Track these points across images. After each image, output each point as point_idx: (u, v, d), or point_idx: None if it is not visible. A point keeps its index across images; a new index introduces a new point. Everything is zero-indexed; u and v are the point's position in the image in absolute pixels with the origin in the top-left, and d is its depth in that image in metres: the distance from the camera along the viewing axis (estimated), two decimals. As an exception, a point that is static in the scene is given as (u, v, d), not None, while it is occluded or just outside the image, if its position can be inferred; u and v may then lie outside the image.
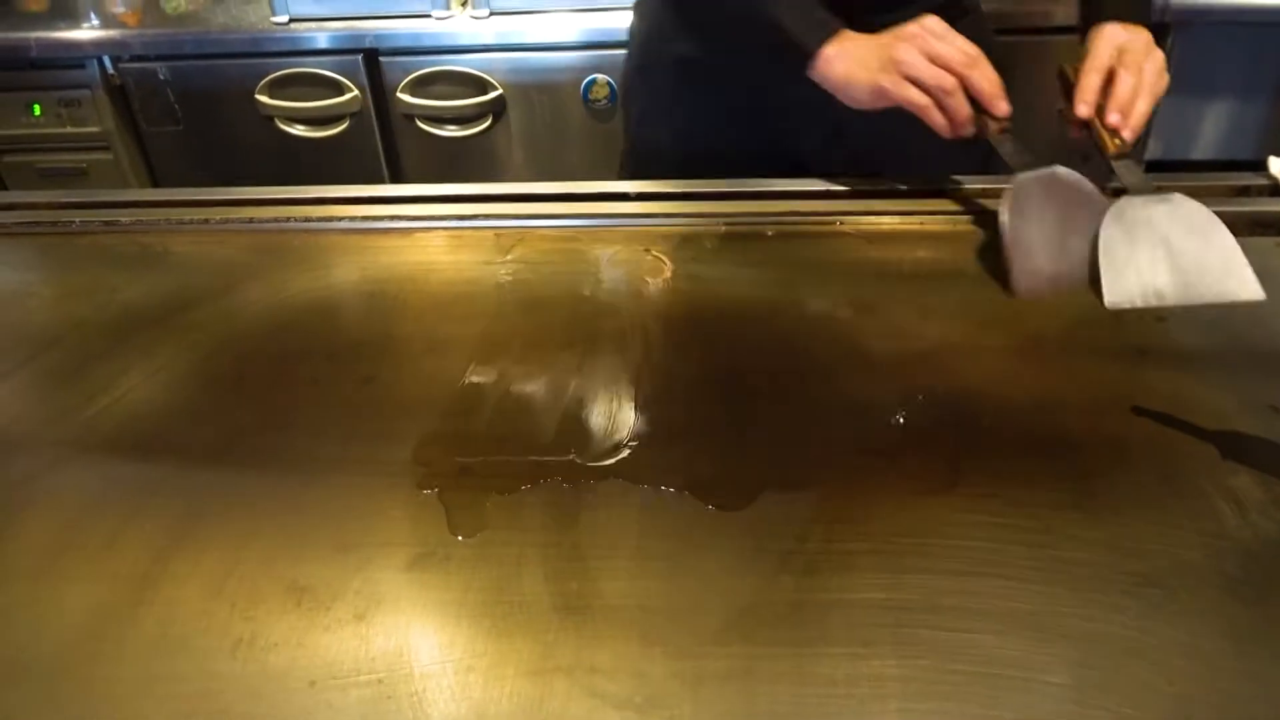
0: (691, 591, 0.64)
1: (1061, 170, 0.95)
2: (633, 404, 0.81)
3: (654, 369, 0.86)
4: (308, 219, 1.17)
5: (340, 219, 1.16)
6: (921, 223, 1.08)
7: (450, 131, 2.21)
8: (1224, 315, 0.89)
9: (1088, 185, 0.95)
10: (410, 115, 2.21)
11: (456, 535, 0.69)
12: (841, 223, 1.08)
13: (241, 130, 2.25)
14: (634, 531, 0.68)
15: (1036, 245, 0.93)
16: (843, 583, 0.64)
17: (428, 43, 2.12)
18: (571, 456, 0.75)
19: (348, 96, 2.18)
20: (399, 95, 2.18)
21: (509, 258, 1.06)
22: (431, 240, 1.11)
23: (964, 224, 1.07)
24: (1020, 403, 0.79)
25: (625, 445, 0.76)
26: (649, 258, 1.04)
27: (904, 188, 1.13)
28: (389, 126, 2.24)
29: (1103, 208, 0.92)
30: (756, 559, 0.66)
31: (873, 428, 0.77)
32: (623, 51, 1.37)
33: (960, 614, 0.61)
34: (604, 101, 2.14)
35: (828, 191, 1.13)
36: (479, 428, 0.80)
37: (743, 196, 1.14)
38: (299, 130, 2.24)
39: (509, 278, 1.02)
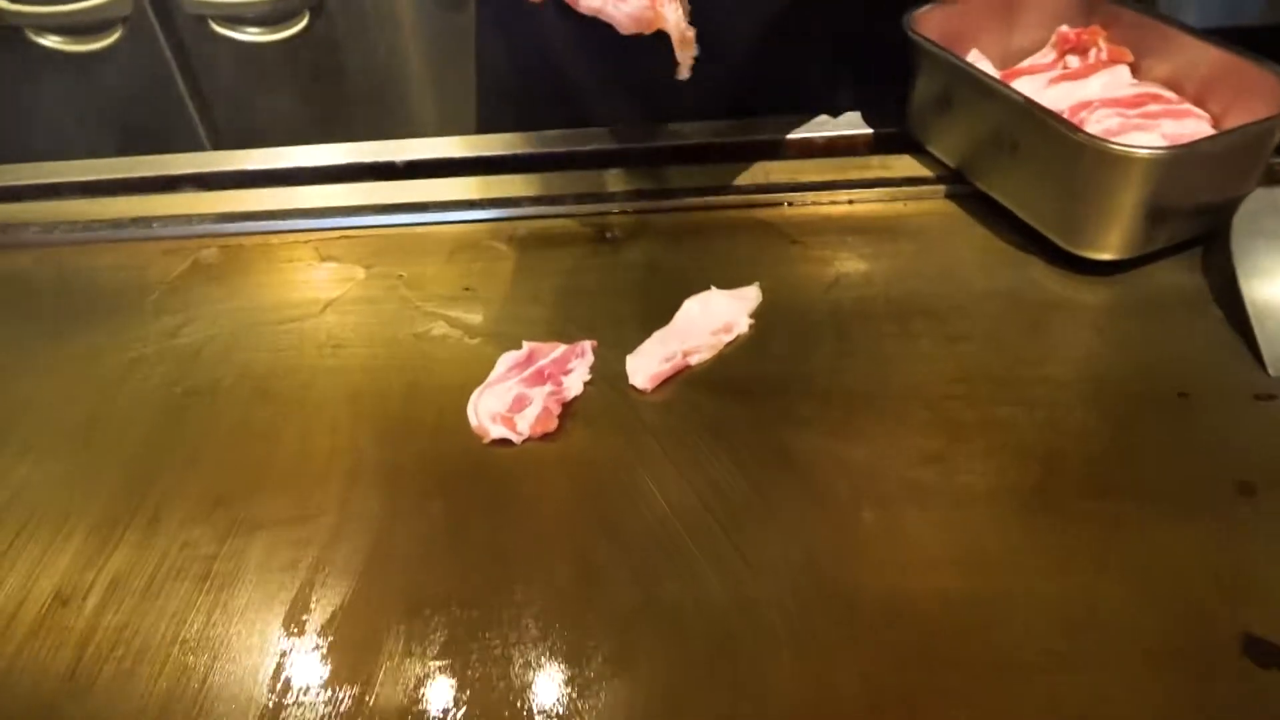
0: None
1: None
2: (316, 620, 0.41)
3: (364, 527, 0.46)
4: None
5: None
6: (850, 201, 0.66)
7: (254, 35, 1.69)
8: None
9: None
10: (201, 15, 1.68)
11: None
12: (723, 205, 0.67)
13: (-16, 46, 1.71)
14: None
15: None
16: None
17: (207, -86, 1.58)
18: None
19: (113, -6, 1.65)
20: (181, -11, 1.65)
21: (152, 298, 0.63)
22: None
23: (915, 201, 0.66)
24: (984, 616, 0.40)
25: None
26: (400, 288, 0.62)
27: (820, 137, 0.71)
28: (175, 33, 1.71)
29: None
30: None
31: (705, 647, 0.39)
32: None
33: None
34: (452, -14, 1.64)
35: (703, 145, 0.71)
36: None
37: (566, 162, 0.71)
38: (54, 42, 1.70)
39: (150, 346, 0.60)
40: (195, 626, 0.44)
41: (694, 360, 0.54)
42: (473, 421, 0.52)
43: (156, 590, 0.45)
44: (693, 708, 0.39)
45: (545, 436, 0.51)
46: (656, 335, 0.56)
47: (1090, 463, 0.47)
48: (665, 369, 0.53)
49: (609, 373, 0.55)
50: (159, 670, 0.42)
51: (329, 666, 0.42)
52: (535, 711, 0.39)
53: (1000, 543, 0.44)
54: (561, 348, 0.56)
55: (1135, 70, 0.65)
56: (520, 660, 0.41)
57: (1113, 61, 0.65)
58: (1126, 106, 0.61)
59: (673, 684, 0.40)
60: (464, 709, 0.40)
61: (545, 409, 0.51)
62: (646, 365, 0.54)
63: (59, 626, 0.44)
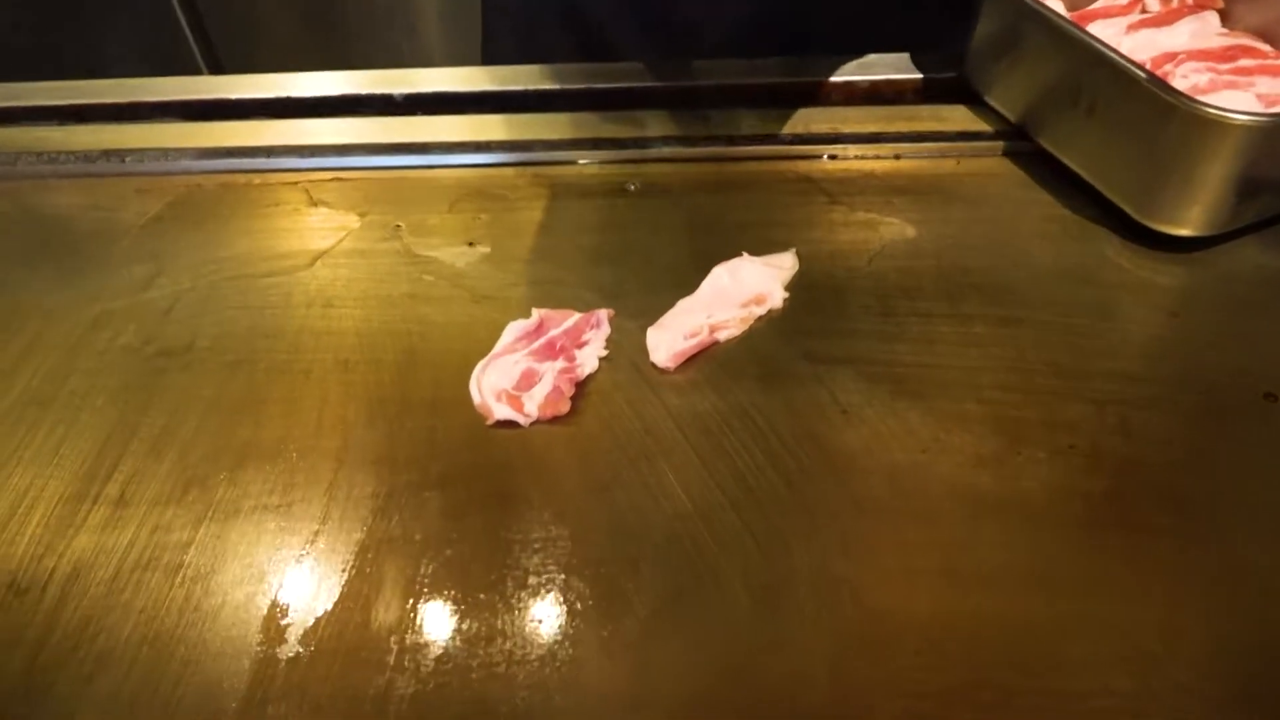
0: None
1: None
2: (299, 622, 0.37)
3: (352, 517, 0.41)
4: None
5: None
6: (896, 156, 0.60)
7: (251, -58, 1.59)
8: None
9: None
10: (192, -81, 1.57)
11: None
12: (757, 156, 0.61)
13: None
14: None
15: None
16: None
17: None
18: None
19: (96, -108, 1.54)
20: (169, -111, 1.54)
21: (122, 244, 0.57)
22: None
23: (970, 158, 0.60)
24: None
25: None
26: (397, 240, 0.56)
27: (862, 80, 0.64)
28: (165, -63, 1.60)
29: None
30: None
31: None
32: None
33: None
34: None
35: (736, 87, 0.64)
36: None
37: (584, 101, 0.64)
38: (35, -54, 1.60)
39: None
40: (166, 624, 0.39)
41: (722, 336, 0.49)
42: (475, 399, 0.47)
43: (123, 582, 0.41)
44: (714, 738, 0.36)
45: (555, 419, 0.46)
46: (681, 305, 0.50)
47: (1165, 471, 0.42)
48: (690, 345, 0.48)
49: (627, 346, 0.49)
50: (124, 674, 0.38)
51: (312, 675, 0.37)
52: (540, 740, 0.35)
53: (1062, 561, 0.40)
54: (575, 316, 0.50)
55: (1225, 17, 0.58)
56: (523, 675, 0.37)
57: (1200, 6, 0.58)
58: (1217, 60, 0.54)
59: (692, 705, 0.36)
60: (461, 735, 0.36)
61: (556, 388, 0.46)
62: (670, 340, 0.48)
63: (13, 621, 0.40)
